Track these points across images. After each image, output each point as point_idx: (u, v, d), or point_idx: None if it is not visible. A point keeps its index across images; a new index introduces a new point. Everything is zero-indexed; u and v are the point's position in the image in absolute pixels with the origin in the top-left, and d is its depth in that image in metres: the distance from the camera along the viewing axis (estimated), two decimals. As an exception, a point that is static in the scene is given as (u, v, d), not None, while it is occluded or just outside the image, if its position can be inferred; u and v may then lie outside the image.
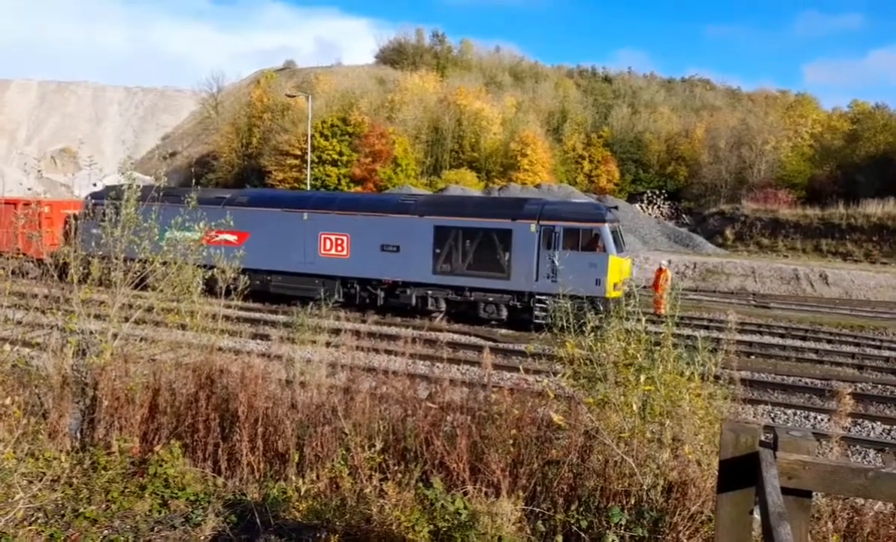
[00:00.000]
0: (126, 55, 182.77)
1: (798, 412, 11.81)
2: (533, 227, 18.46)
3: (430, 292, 19.74)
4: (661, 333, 5.86)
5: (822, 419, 11.26)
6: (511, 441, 5.34)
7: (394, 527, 4.51)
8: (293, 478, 5.31)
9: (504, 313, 19.05)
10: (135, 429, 5.94)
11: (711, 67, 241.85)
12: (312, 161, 52.94)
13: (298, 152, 59.81)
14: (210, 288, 9.25)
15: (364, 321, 18.81)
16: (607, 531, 4.40)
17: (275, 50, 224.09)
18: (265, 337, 14.72)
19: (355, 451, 5.07)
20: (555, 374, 7.07)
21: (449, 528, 4.42)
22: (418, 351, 13.82)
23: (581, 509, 4.84)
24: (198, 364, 6.52)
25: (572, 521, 4.54)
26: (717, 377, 5.93)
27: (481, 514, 4.43)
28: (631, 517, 4.55)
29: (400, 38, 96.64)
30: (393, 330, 17.14)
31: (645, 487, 4.88)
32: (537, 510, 4.75)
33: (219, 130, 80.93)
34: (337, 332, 14.04)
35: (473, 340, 17.40)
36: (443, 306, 19.84)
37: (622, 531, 4.43)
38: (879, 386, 13.90)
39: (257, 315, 18.73)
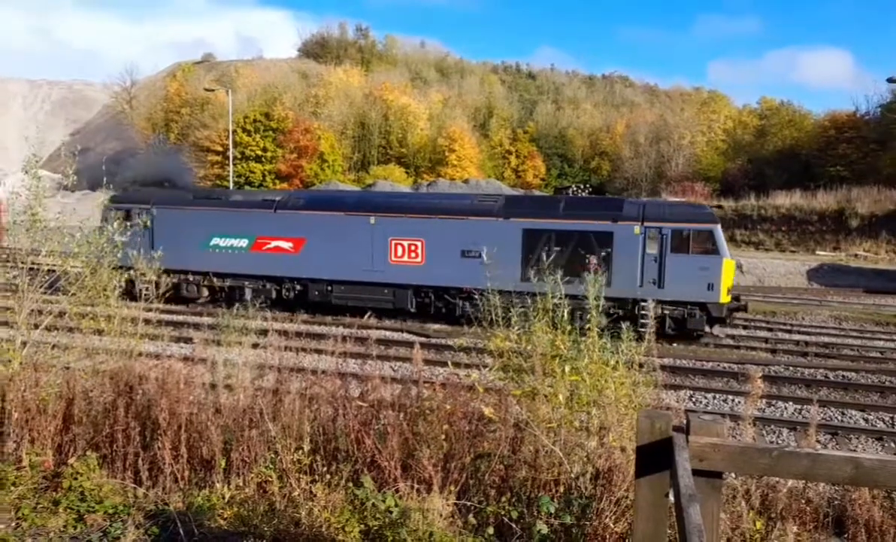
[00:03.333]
0: (28, 47, 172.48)
1: (717, 396, 12.36)
2: (637, 229, 17.05)
3: (517, 301, 18.91)
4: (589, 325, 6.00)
5: (738, 402, 11.82)
6: (443, 436, 5.35)
7: (323, 529, 4.44)
8: (219, 485, 5.15)
9: (603, 322, 18.31)
10: (48, 441, 5.62)
11: (628, 66, 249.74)
12: (235, 157, 51.48)
13: (220, 148, 58.15)
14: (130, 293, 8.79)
15: (292, 321, 18.46)
16: (537, 521, 4.48)
17: (191, 43, 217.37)
18: (188, 340, 14.23)
19: (283, 454, 4.96)
20: (485, 368, 7.14)
21: (380, 527, 4.39)
22: (349, 349, 13.67)
23: (513, 500, 4.90)
24: (116, 371, 6.23)
25: (503, 513, 4.59)
26: (640, 365, 6.13)
27: (413, 511, 4.42)
28: (560, 506, 4.64)
29: (323, 31, 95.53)
30: (323, 329, 16.89)
31: (573, 475, 4.99)
32: (469, 503, 4.78)
33: (134, 125, 77.61)
34: (264, 333, 13.72)
35: (406, 336, 17.36)
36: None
37: (552, 520, 4.51)
38: (790, 368, 14.72)
39: (180, 318, 18.08)
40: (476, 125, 75.56)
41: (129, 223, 21.13)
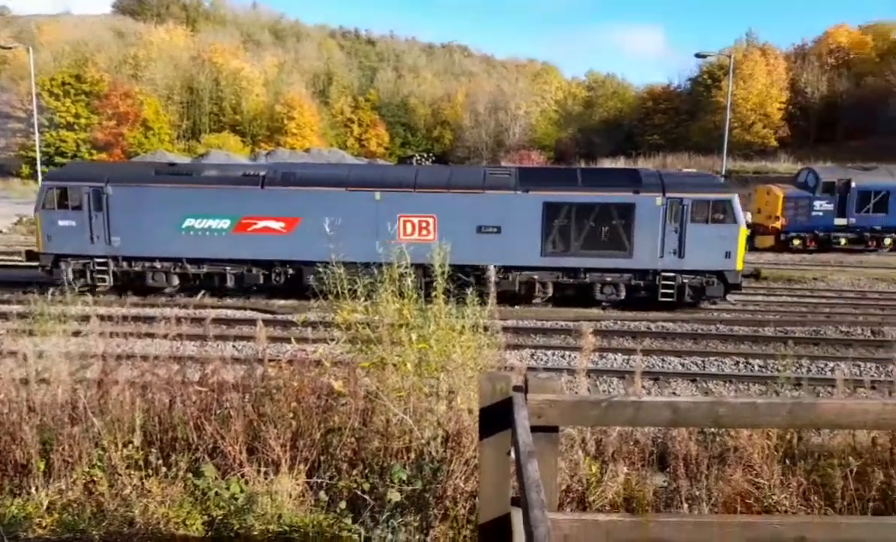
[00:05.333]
0: None
1: (556, 352, 13.14)
2: (659, 200, 16.86)
3: (536, 276, 17.53)
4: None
5: (574, 356, 12.63)
6: (291, 415, 5.19)
7: (161, 525, 4.14)
8: (36, 491, 4.61)
9: (623, 293, 17.54)
10: None
11: (464, 35, 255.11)
12: (42, 125, 46.09)
13: (23, 114, 51.75)
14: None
15: (121, 305, 17.00)
16: (389, 489, 4.48)
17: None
18: (-6, 332, 12.61)
19: (112, 450, 4.54)
20: (333, 341, 6.99)
21: (225, 515, 4.17)
22: (186, 331, 12.85)
23: (365, 471, 4.87)
24: None
25: (355, 486, 4.54)
26: (485, 328, 6.30)
27: (260, 495, 4.24)
28: (412, 472, 4.68)
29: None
30: (155, 311, 15.73)
31: (424, 440, 5.05)
32: (320, 480, 4.68)
33: None
34: (87, 319, 12.51)
35: (249, 314, 16.64)
36: (550, 290, 17.79)
37: (405, 487, 4.53)
38: (619, 322, 15.98)
39: (-17, 307, 16.00)
40: (315, 92, 73.57)
41: (72, 204, 17.96)
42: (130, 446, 4.62)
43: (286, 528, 4.18)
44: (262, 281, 18.24)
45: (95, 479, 4.54)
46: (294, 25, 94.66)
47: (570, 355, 12.88)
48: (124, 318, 12.31)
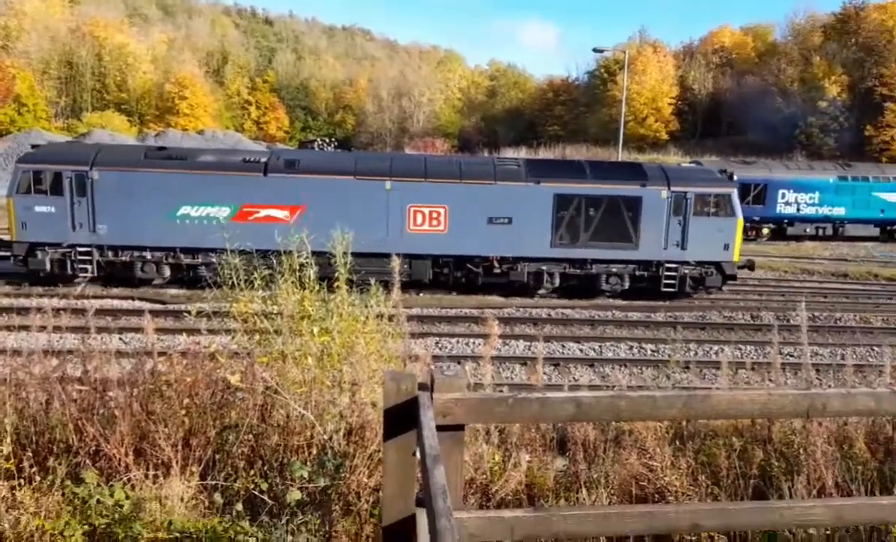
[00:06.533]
0: None
1: (460, 340, 13.24)
2: (664, 193, 17.29)
3: (545, 267, 17.54)
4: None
5: (478, 343, 12.78)
6: (183, 412, 4.90)
7: (36, 539, 3.79)
8: None
9: (627, 284, 17.79)
10: None
11: (366, 18, 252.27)
12: None
13: None
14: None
15: (-9, 294, 15.62)
16: (290, 488, 4.31)
17: None
18: None
19: (-25, 459, 4.11)
20: (230, 333, 6.68)
21: (108, 524, 3.87)
22: (66, 323, 11.96)
23: (264, 469, 4.68)
24: None
25: (252, 486, 4.34)
26: (390, 318, 6.20)
27: (148, 500, 3.97)
28: (314, 468, 4.53)
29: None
30: (32, 302, 14.55)
31: (326, 435, 4.91)
32: (215, 481, 4.44)
33: None
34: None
35: (137, 304, 15.72)
36: (557, 280, 17.82)
37: (306, 484, 4.38)
38: (521, 309, 16.32)
39: None
40: (209, 71, 70.51)
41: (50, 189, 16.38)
42: (-2, 453, 4.20)
43: (177, 535, 3.93)
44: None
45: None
46: (185, 1, 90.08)
47: (473, 342, 13.01)
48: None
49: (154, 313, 13.10)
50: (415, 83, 71.92)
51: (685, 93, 70.97)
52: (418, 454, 2.46)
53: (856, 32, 65.38)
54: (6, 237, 17.06)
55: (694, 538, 3.80)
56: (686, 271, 17.70)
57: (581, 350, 13.12)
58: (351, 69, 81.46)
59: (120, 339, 12.05)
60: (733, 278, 18.21)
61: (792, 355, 11.91)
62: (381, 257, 16.99)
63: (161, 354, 6.09)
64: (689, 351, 12.70)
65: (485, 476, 4.87)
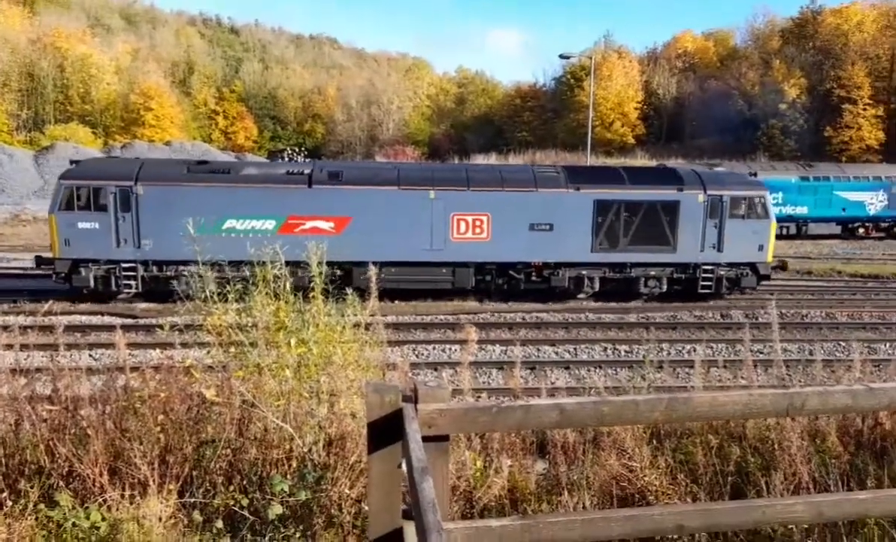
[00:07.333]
0: None
1: (436, 346, 13.22)
2: (701, 197, 17.68)
3: (585, 272, 17.78)
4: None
5: (455, 349, 12.78)
6: (159, 429, 4.81)
7: (9, 567, 3.68)
8: None
9: (665, 287, 18.11)
10: None
11: (332, 27, 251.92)
12: None
13: None
14: None
15: (-48, 313, 15.16)
16: (271, 503, 4.26)
17: None
18: None
19: (-57, 485, 3.98)
20: (205, 346, 6.58)
21: (86, 548, 3.77)
22: (34, 341, 11.66)
23: (244, 484, 4.60)
24: None
25: (232, 502, 4.27)
26: (367, 326, 6.17)
27: (125, 521, 3.88)
28: (294, 482, 4.48)
29: (-30, -40, 78.42)
30: (-4, 320, 14.17)
31: (306, 447, 4.86)
32: (192, 499, 4.36)
33: None
34: None
35: (107, 319, 15.41)
36: (597, 285, 18.03)
37: (287, 498, 4.33)
38: (496, 314, 16.36)
39: None
40: (175, 82, 69.61)
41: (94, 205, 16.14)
42: (-35, 479, 4.07)
43: (156, 555, 3.85)
44: (307, 282, 17.21)
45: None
46: (148, 11, 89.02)
47: (450, 349, 13.01)
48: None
49: (126, 328, 12.85)
50: (383, 91, 71.89)
51: (650, 97, 72.06)
52: (403, 466, 2.44)
53: (813, 36, 67.16)
54: (45, 254, 17.00)
55: (677, 538, 3.84)
56: (722, 273, 18.15)
57: (556, 353, 13.20)
58: (319, 78, 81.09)
59: (90, 355, 11.80)
60: (767, 277, 18.68)
61: (762, 353, 12.13)
62: (425, 266, 17.47)
63: (134, 369, 5.97)
64: (662, 351, 12.86)
65: (467, 483, 4.86)
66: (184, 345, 7.77)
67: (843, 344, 13.35)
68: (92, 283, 16.37)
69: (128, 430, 4.82)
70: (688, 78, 73.01)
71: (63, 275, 16.45)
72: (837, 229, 33.81)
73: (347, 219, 16.83)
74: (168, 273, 16.67)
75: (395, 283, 17.13)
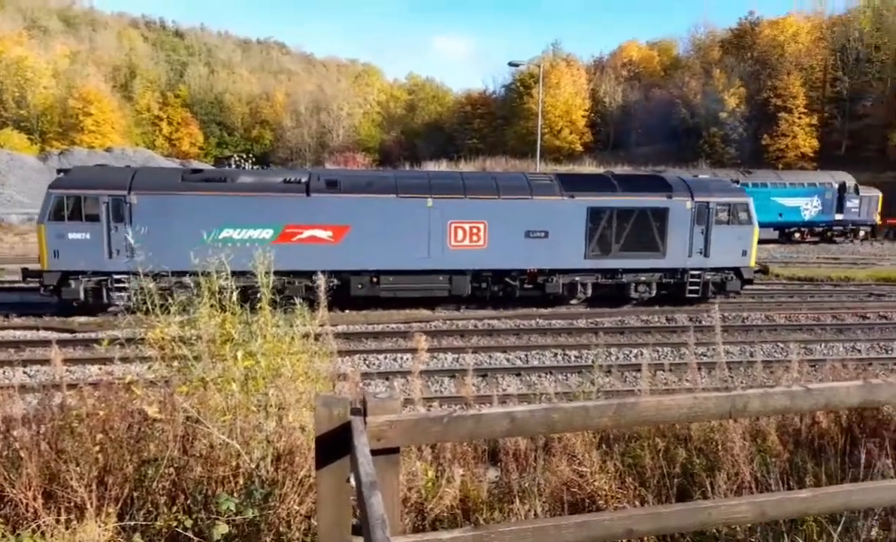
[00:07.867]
0: None
1: (388, 356, 13.12)
2: (689, 203, 18.12)
3: (578, 278, 18.10)
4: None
5: (406, 358, 12.71)
6: (97, 448, 4.61)
7: (-67, 602, 3.46)
8: None
9: (654, 292, 18.45)
10: None
11: (280, 32, 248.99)
12: None
13: None
14: None
15: None
16: (217, 522, 4.13)
17: None
18: None
19: None
20: (146, 360, 6.36)
21: (17, 578, 3.59)
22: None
23: (187, 504, 4.46)
24: None
25: (175, 523, 4.13)
26: (317, 337, 6.07)
27: (61, 548, 3.70)
28: (241, 499, 4.36)
29: None
30: (-79, 336, 13.45)
31: (253, 463, 4.74)
32: (133, 522, 4.20)
33: None
34: None
35: (42, 334, 14.78)
36: (589, 291, 18.39)
37: (234, 517, 4.21)
38: (448, 322, 16.37)
39: None
40: (117, 86, 67.64)
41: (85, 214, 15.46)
42: None
43: (94, 582, 3.69)
44: (304, 292, 16.48)
45: None
46: (88, 13, 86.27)
47: (401, 358, 12.94)
48: None
49: (62, 343, 12.37)
50: (333, 97, 71.35)
51: (597, 105, 73.52)
52: (353, 481, 2.39)
53: (751, 47, 69.68)
54: (29, 266, 16.35)
55: (626, 542, 3.88)
56: (709, 278, 18.69)
57: (508, 360, 13.27)
58: (267, 83, 79.95)
59: (24, 372, 11.28)
60: (750, 281, 19.37)
61: (706, 355, 12.46)
62: (423, 274, 17.47)
63: (71, 386, 5.73)
64: (611, 355, 13.07)
65: (419, 494, 4.82)
66: (124, 360, 7.51)
67: (781, 345, 13.84)
68: (82, 295, 15.77)
69: (64, 451, 4.61)
70: (633, 86, 74.80)
71: (52, 288, 15.80)
72: (775, 234, 35.09)
73: (346, 228, 16.74)
74: (162, 285, 16.08)
75: (392, 292, 17.33)
